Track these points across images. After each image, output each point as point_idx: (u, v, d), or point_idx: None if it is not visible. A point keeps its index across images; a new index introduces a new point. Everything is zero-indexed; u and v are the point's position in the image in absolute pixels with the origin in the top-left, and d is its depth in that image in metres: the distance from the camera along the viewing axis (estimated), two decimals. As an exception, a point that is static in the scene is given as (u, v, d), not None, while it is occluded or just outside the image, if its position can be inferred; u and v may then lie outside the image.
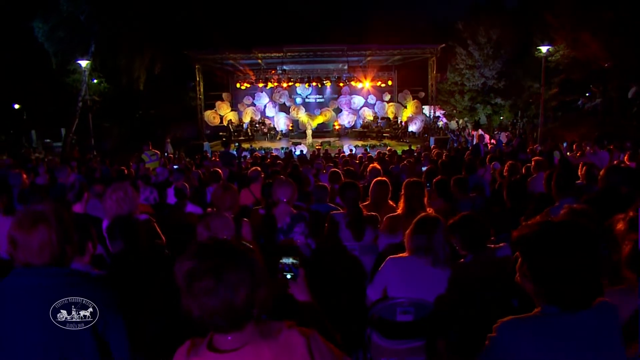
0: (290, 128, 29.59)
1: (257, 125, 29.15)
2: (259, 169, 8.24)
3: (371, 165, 8.61)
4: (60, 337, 2.12)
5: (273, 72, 27.70)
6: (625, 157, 10.61)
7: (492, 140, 22.41)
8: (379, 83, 28.24)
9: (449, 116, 28.97)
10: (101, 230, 4.10)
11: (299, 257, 2.01)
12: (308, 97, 30.83)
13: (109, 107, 24.87)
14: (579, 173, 6.53)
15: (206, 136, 26.91)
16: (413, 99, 29.45)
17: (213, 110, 29.01)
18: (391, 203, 5.65)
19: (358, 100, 30.20)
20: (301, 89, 29.80)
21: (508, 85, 25.17)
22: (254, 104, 29.92)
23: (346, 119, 29.72)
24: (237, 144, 24.19)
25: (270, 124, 29.44)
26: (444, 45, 25.03)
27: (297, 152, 21.06)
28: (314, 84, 27.41)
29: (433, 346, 3.34)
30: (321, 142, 25.58)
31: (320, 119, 29.63)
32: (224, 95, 30.30)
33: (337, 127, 29.43)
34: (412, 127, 28.67)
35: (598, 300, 1.84)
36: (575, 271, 1.77)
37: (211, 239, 1.62)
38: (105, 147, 24.67)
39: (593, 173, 6.13)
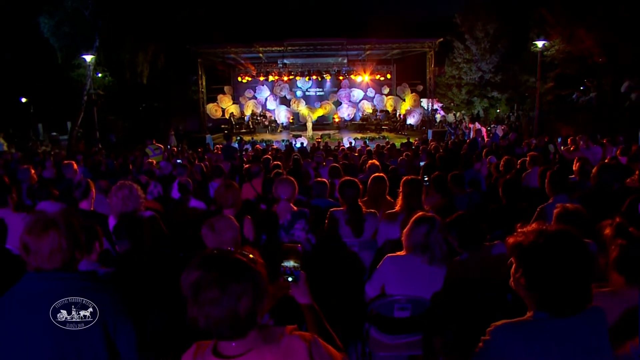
0: (291, 121, 29.84)
1: (258, 117, 29.42)
2: (261, 164, 8.34)
3: (370, 161, 8.69)
4: (73, 341, 2.15)
5: (274, 65, 28.05)
6: (617, 152, 10.99)
7: (490, 134, 22.73)
8: (378, 76, 28.61)
9: (446, 109, 29.20)
10: (107, 227, 4.28)
11: (300, 260, 2.02)
12: (308, 90, 31.13)
13: (114, 101, 25.09)
14: (574, 168, 6.79)
15: (208, 129, 27.18)
16: (411, 92, 29.70)
17: (215, 104, 29.24)
18: (389, 198, 5.70)
19: (357, 94, 30.43)
20: (301, 82, 30.11)
21: (504, 79, 25.45)
22: (255, 97, 30.16)
23: (346, 112, 29.96)
24: (239, 137, 24.59)
25: (271, 116, 29.70)
26: (442, 39, 25.28)
27: (298, 145, 21.35)
28: (314, 77, 27.80)
29: (429, 341, 3.39)
30: (321, 135, 25.81)
31: (320, 112, 29.89)
32: (226, 88, 30.54)
33: (336, 120, 29.70)
34: (411, 120, 28.90)
35: (588, 305, 1.87)
36: (567, 279, 1.81)
37: (216, 250, 1.65)
38: (111, 140, 25.05)
39: (586, 169, 6.39)
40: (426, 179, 6.31)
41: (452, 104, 27.95)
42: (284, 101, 30.43)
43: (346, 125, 30.01)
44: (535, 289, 1.87)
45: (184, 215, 6.17)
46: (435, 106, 28.68)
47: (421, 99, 29.27)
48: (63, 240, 2.19)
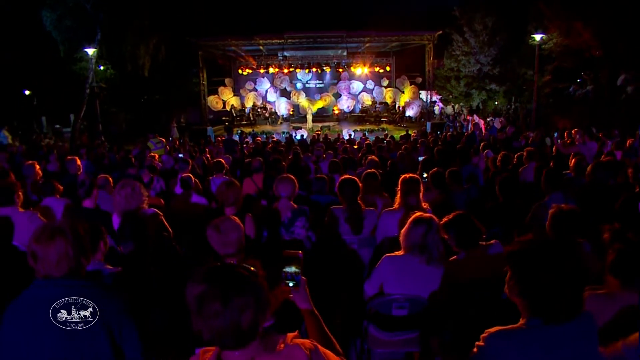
0: (291, 112, 29.93)
1: (258, 110, 29.52)
2: (261, 159, 8.48)
3: (370, 157, 8.84)
4: (79, 346, 2.19)
5: (274, 58, 28.15)
6: (613, 145, 11.10)
7: (488, 127, 22.89)
8: (377, 69, 28.69)
9: (445, 101, 29.24)
10: (111, 224, 4.42)
11: (301, 266, 2.05)
12: (308, 82, 31.20)
13: (115, 94, 25.21)
14: (570, 164, 6.94)
15: (209, 121, 27.27)
16: (410, 85, 29.70)
17: (216, 96, 29.29)
18: (385, 194, 5.92)
19: (357, 86, 30.48)
20: (301, 74, 30.18)
21: (503, 71, 25.50)
22: (255, 89, 30.22)
23: (345, 104, 30.02)
24: (239, 130, 24.73)
25: (271, 108, 29.79)
26: (441, 32, 25.30)
27: (298, 137, 21.46)
28: (314, 69, 27.90)
29: (426, 339, 3.47)
30: (321, 127, 25.92)
31: (320, 104, 29.94)
32: (227, 80, 30.58)
33: (336, 112, 29.78)
34: (410, 112, 28.94)
35: (580, 312, 1.93)
36: (560, 288, 1.87)
37: (219, 264, 1.70)
38: (114, 132, 25.21)
39: (582, 166, 6.52)
40: (425, 175, 6.47)
41: (450, 96, 27.97)
42: (284, 93, 30.49)
43: (346, 117, 30.10)
44: (529, 296, 1.93)
45: (185, 211, 6.32)
46: (434, 98, 28.73)
47: (420, 91, 29.31)
48: (69, 247, 2.25)
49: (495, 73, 25.78)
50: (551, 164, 7.88)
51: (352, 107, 30.38)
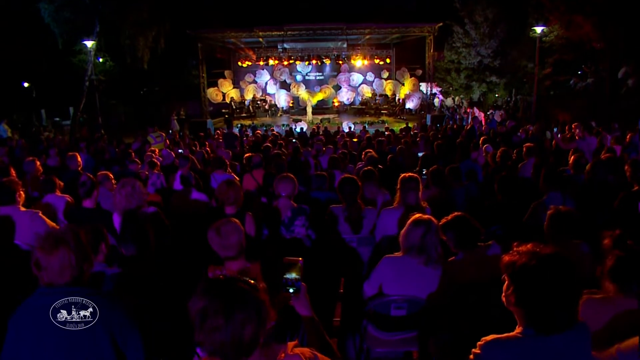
0: (291, 105, 29.90)
1: (258, 102, 29.43)
2: (261, 155, 8.43)
3: (369, 152, 8.83)
4: (83, 353, 2.22)
5: (274, 50, 28.03)
6: (612, 140, 11.11)
7: (488, 120, 22.86)
8: (377, 61, 28.48)
9: (445, 94, 29.19)
10: (112, 224, 4.43)
11: (301, 273, 2.07)
12: (308, 74, 31.14)
13: (115, 86, 25.15)
14: (569, 160, 6.92)
15: (209, 113, 27.23)
16: (410, 77, 29.62)
17: (215, 88, 29.22)
18: (385, 190, 5.89)
19: (357, 78, 30.41)
20: (301, 66, 30.08)
21: (503, 64, 25.46)
22: (255, 82, 30.15)
23: (345, 96, 29.97)
24: (239, 124, 24.70)
25: (271, 100, 29.73)
26: (441, 23, 25.13)
27: (298, 130, 21.36)
28: (314, 61, 27.71)
29: (425, 338, 3.47)
30: (321, 119, 25.90)
31: (320, 96, 29.89)
32: (226, 73, 30.51)
33: (336, 104, 29.74)
34: (410, 104, 28.90)
35: (575, 322, 1.97)
36: (556, 300, 1.91)
37: (221, 278, 1.71)
38: (113, 125, 25.18)
39: (581, 163, 6.55)
40: (424, 172, 6.52)
41: (450, 88, 27.95)
42: (284, 85, 30.42)
43: (346, 110, 30.06)
44: (526, 307, 1.97)
45: (186, 208, 6.34)
46: (434, 90, 28.64)
47: (420, 83, 29.21)
48: (72, 256, 2.29)
49: (495, 65, 25.72)
50: (551, 160, 7.88)
51: (352, 100, 30.32)
